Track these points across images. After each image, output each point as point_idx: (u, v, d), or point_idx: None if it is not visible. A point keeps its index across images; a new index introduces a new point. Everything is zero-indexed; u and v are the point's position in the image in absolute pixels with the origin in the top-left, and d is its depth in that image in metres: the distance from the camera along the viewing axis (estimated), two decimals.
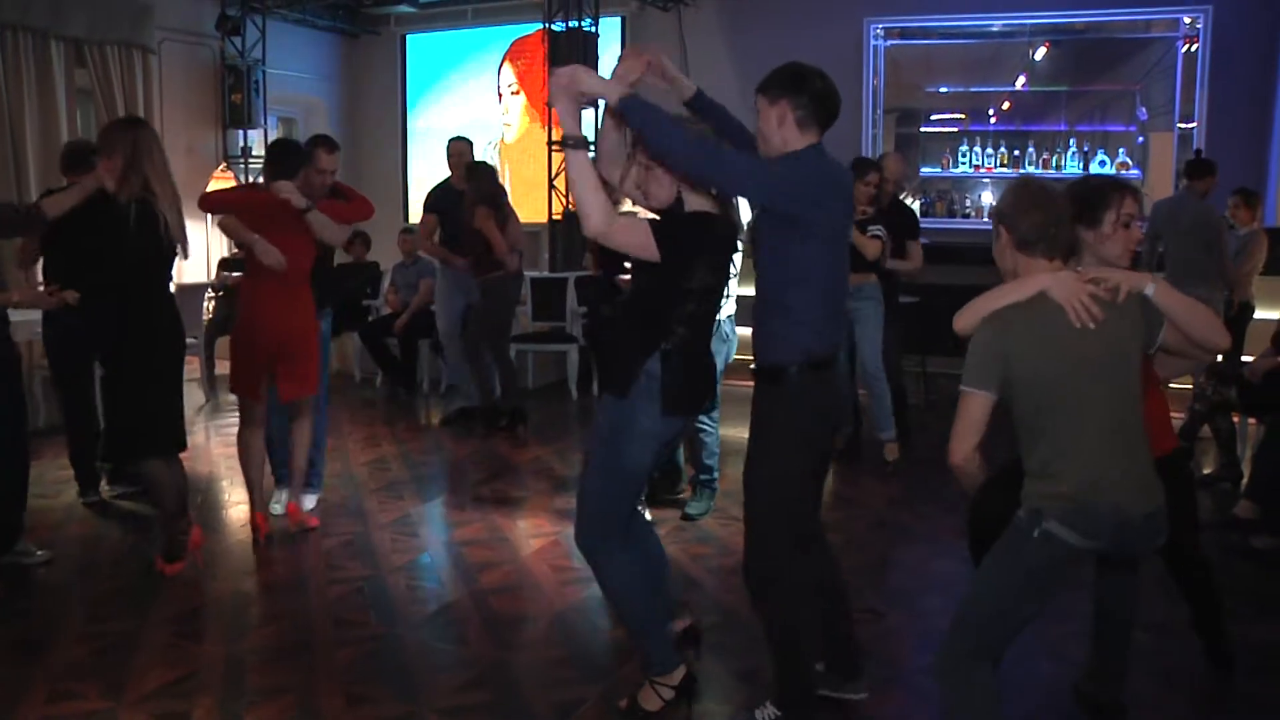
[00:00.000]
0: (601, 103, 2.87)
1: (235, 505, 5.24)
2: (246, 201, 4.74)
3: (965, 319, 2.60)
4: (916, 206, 8.90)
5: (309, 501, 4.98)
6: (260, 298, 4.54)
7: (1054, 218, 2.56)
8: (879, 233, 5.62)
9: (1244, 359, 5.68)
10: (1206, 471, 5.73)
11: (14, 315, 4.42)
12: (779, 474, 2.88)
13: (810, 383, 2.85)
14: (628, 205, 3.92)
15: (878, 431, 5.94)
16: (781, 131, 2.82)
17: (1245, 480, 5.19)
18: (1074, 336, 2.45)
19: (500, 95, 11.26)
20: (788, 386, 2.84)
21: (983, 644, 2.58)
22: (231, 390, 4.72)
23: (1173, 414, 5.30)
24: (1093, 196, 2.83)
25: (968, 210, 9.72)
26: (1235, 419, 5.59)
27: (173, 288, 4.51)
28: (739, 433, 6.90)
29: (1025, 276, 2.55)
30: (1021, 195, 2.59)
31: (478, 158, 7.12)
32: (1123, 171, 9.06)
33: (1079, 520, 2.45)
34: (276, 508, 4.96)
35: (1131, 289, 2.53)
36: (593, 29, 9.52)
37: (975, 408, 2.51)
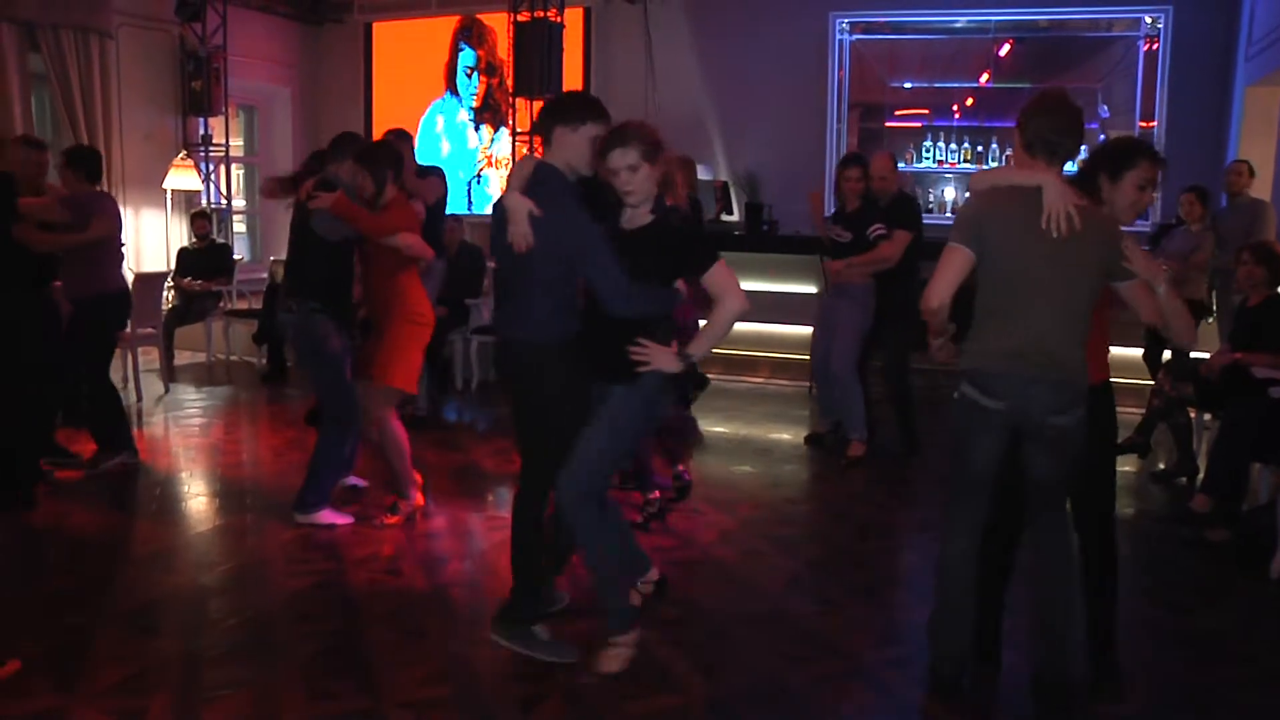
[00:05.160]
0: None
1: (194, 498, 5.17)
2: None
3: (978, 180, 3.06)
4: None
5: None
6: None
7: (1061, 128, 2.88)
8: (881, 232, 5.58)
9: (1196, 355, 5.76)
10: (1162, 466, 5.82)
11: None
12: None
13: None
14: None
15: (846, 431, 5.93)
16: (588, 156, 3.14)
17: (1201, 475, 5.27)
18: (1043, 237, 2.79)
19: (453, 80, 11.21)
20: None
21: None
22: (407, 388, 4.71)
23: (1130, 409, 5.41)
24: (1121, 152, 3.10)
25: (930, 206, 9.79)
26: (1193, 414, 5.67)
27: (130, 277, 4.42)
28: (714, 428, 6.88)
29: (1033, 171, 2.88)
30: (1038, 101, 2.95)
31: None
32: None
33: (987, 383, 2.86)
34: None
35: (1151, 279, 2.90)
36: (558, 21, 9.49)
37: (957, 260, 2.90)
